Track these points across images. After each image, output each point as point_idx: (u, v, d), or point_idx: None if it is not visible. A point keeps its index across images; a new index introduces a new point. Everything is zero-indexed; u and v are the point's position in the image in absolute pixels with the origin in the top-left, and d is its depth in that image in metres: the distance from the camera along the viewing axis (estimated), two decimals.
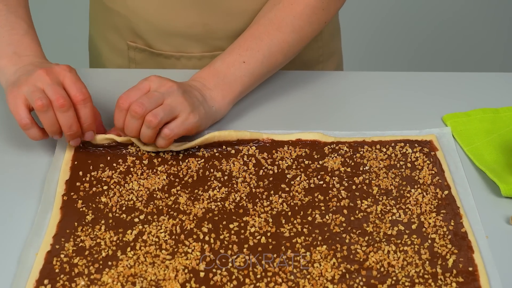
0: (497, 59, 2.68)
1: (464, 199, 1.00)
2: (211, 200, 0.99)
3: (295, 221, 0.96)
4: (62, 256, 0.91)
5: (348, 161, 1.05)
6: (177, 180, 1.02)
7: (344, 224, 0.96)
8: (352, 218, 0.96)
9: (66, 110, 0.99)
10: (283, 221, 0.96)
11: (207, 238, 0.93)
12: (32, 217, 0.96)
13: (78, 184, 1.01)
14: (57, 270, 0.89)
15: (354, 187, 1.01)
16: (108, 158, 1.05)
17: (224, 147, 1.06)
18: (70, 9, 2.45)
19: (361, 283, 0.88)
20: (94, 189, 1.00)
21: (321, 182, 1.02)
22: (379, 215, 0.97)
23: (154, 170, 1.03)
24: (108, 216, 0.96)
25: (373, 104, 1.17)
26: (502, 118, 1.13)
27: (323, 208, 0.98)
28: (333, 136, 1.09)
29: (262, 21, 1.13)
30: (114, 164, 1.04)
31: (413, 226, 0.95)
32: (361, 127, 1.11)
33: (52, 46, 2.52)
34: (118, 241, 0.93)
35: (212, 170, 1.03)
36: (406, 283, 0.88)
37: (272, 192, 1.00)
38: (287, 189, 1.01)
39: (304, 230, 0.95)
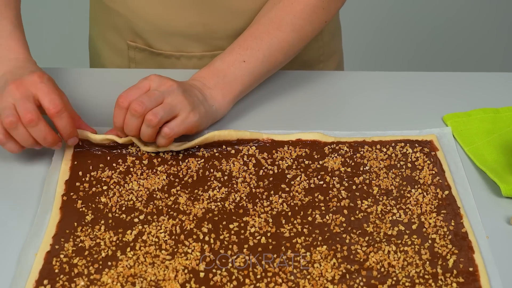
0: (497, 59, 2.68)
1: (464, 199, 1.00)
2: (211, 200, 0.99)
3: (295, 221, 0.96)
4: (61, 256, 0.91)
5: (348, 161, 1.05)
6: (177, 180, 1.02)
7: (344, 224, 0.95)
8: (352, 218, 0.96)
9: (35, 125, 0.98)
10: (283, 221, 0.96)
11: (207, 238, 0.93)
12: (32, 217, 0.96)
13: (77, 184, 1.01)
14: (56, 271, 0.89)
15: (354, 187, 1.01)
16: (108, 158, 1.04)
17: (224, 147, 1.06)
18: (70, 9, 2.44)
19: (361, 284, 0.88)
20: (93, 189, 1.00)
21: (321, 182, 1.01)
22: (380, 215, 0.97)
23: (154, 170, 1.03)
24: (107, 216, 0.96)
25: (374, 104, 1.16)
26: (503, 118, 1.13)
27: (323, 208, 0.98)
28: (333, 136, 1.09)
29: (262, 21, 1.13)
30: (114, 164, 1.03)
31: (414, 226, 0.95)
32: (361, 127, 1.11)
33: (52, 46, 2.53)
34: (117, 241, 0.93)
35: (212, 170, 1.03)
36: (407, 284, 0.88)
37: (272, 192, 1.00)
38: (287, 189, 1.00)
39: (304, 230, 0.95)
